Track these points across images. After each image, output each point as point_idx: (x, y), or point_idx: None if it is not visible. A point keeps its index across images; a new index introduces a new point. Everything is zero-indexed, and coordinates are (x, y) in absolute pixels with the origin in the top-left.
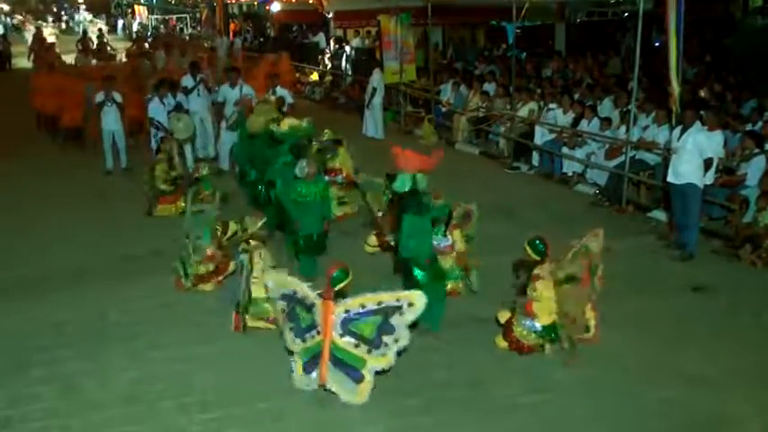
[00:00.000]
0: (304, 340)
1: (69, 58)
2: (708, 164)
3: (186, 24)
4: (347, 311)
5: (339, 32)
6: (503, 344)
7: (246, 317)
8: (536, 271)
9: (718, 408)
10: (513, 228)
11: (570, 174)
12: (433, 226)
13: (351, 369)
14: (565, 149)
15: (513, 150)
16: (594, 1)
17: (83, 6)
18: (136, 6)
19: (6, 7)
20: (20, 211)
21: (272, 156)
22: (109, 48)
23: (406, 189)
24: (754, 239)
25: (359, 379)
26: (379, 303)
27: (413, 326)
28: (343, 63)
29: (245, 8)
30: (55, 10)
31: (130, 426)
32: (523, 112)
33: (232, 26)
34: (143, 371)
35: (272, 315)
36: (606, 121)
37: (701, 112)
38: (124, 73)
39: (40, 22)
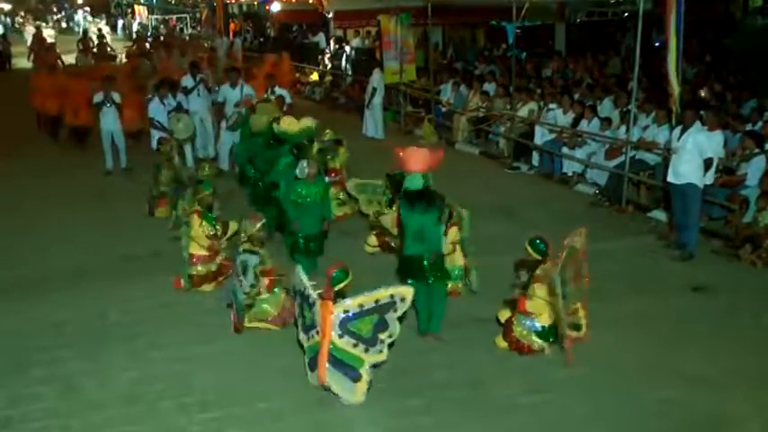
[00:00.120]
0: (308, 338)
1: (69, 58)
2: (708, 164)
3: (186, 24)
4: (346, 312)
5: (339, 32)
6: (503, 344)
7: (245, 317)
8: (538, 272)
9: (718, 408)
10: (513, 228)
11: (570, 174)
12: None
13: (349, 369)
14: (565, 149)
15: (513, 150)
16: (594, 1)
17: (85, 8)
18: (136, 6)
19: (7, 6)
20: (20, 211)
21: (274, 156)
22: (109, 48)
23: (420, 187)
24: (754, 239)
25: (357, 378)
26: (377, 302)
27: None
28: (343, 63)
29: (245, 8)
30: (55, 10)
31: (130, 426)
32: (523, 112)
33: (232, 26)
34: (143, 371)
35: (272, 315)
36: (606, 121)
37: (701, 112)
38: (124, 73)
39: (39, 22)
